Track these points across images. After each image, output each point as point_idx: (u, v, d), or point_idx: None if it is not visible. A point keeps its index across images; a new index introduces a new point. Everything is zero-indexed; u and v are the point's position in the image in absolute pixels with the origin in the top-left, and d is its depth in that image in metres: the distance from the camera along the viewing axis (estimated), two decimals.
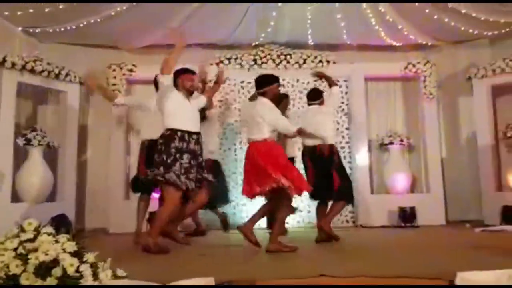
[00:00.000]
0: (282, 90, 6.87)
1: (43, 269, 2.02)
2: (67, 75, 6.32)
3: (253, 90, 6.82)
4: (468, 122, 7.07)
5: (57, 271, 2.02)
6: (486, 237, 4.99)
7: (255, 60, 6.87)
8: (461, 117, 7.20)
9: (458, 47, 7.25)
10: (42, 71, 6.00)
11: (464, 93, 7.07)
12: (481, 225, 6.00)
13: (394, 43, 6.94)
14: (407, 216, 6.34)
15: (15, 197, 5.81)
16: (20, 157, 6.02)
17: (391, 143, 6.86)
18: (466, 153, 7.09)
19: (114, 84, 6.69)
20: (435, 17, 6.07)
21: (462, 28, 6.43)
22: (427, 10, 5.93)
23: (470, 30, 6.53)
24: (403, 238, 4.63)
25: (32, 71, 5.90)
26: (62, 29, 6.26)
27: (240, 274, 2.57)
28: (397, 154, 6.96)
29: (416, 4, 5.79)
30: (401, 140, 6.89)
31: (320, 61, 6.92)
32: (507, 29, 6.60)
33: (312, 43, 6.98)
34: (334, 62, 6.91)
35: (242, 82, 7.01)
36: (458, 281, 2.49)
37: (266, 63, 6.88)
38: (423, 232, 5.74)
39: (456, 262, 2.94)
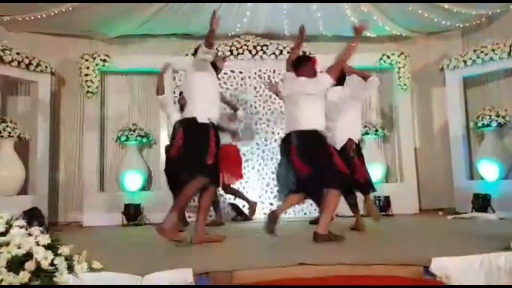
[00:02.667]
0: (258, 81, 6.94)
1: (16, 263, 1.96)
2: (37, 65, 6.15)
3: (229, 81, 6.90)
4: (440, 113, 7.22)
5: (30, 265, 1.97)
6: (458, 224, 5.12)
7: (231, 51, 6.82)
8: (434, 108, 7.35)
9: (431, 39, 7.37)
10: (12, 61, 5.83)
11: (437, 84, 7.20)
12: (453, 213, 6.17)
13: (369, 35, 6.99)
14: (381, 205, 6.44)
15: None
16: None
17: (366, 133, 6.94)
18: (439, 143, 7.25)
19: (87, 75, 6.54)
20: (409, 8, 6.15)
21: (435, 20, 6.53)
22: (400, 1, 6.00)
23: (443, 22, 6.64)
24: (378, 226, 4.70)
25: (1, 60, 5.71)
26: (33, 18, 6.08)
27: (218, 265, 2.56)
28: (372, 144, 7.05)
29: None
30: (376, 131, 6.98)
31: None
32: (478, 22, 6.76)
33: (288, 34, 6.97)
34: (310, 53, 6.91)
35: (241, 72, 6.97)
36: (433, 267, 2.55)
37: (242, 53, 6.84)
38: (398, 221, 5.85)
39: (431, 248, 2.99)
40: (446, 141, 6.95)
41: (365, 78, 4.63)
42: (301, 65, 4.00)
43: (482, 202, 5.99)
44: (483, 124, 6.34)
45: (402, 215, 6.37)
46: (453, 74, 6.79)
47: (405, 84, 7.00)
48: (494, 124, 6.25)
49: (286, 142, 3.87)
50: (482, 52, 6.36)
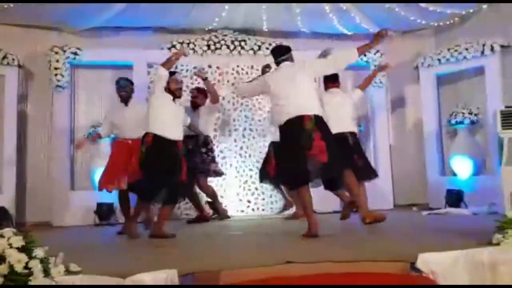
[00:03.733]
0: (236, 76, 6.84)
1: None
2: (4, 57, 5.90)
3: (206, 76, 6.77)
4: (414, 110, 7.33)
5: (3, 269, 1.85)
6: (434, 219, 5.19)
7: (208, 46, 6.71)
8: (408, 105, 7.46)
9: (406, 37, 7.44)
10: None
11: (411, 81, 7.30)
12: (427, 209, 6.26)
13: (346, 32, 7.00)
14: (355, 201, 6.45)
15: None
16: None
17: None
18: (413, 140, 7.36)
19: (56, 68, 6.29)
20: (386, 6, 6.18)
21: (412, 18, 6.59)
22: None
23: (418, 20, 6.71)
24: (357, 222, 4.70)
25: None
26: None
27: (204, 265, 2.47)
28: None
29: None
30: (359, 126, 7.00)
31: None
32: (451, 21, 6.86)
33: (266, 30, 6.91)
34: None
35: (195, 67, 6.80)
36: (419, 262, 2.54)
37: (220, 48, 6.73)
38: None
39: (414, 244, 2.99)
40: (420, 138, 7.06)
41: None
42: None
43: (455, 198, 6.10)
44: (456, 121, 6.45)
45: (377, 210, 6.38)
46: (427, 72, 6.89)
47: (380, 82, 7.05)
48: (467, 121, 6.37)
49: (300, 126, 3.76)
50: (456, 50, 6.48)
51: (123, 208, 4.95)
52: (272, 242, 3.48)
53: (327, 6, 6.16)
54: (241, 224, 5.42)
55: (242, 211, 6.62)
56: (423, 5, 6.17)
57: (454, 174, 6.58)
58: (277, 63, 4.18)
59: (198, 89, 5.92)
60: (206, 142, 5.68)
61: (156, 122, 4.20)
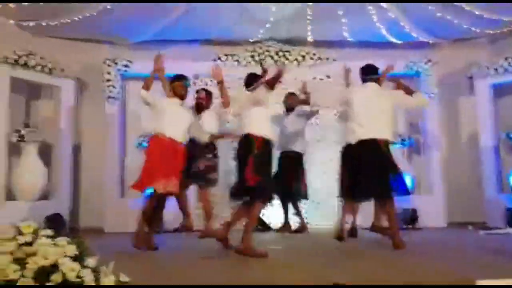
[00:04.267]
0: (279, 87, 6.80)
1: (42, 274, 1.88)
2: (61, 70, 6.16)
3: None
4: (469, 122, 7.00)
5: (57, 276, 1.89)
6: (493, 240, 4.87)
7: (252, 56, 6.75)
8: (462, 117, 7.14)
9: (459, 46, 7.17)
10: (35, 65, 5.86)
11: (465, 92, 7.01)
12: (483, 228, 5.92)
13: (395, 41, 6.84)
14: (408, 217, 6.24)
15: (9, 195, 5.66)
16: (13, 154, 5.86)
17: (392, 143, 6.74)
18: (468, 154, 7.01)
19: (108, 80, 6.53)
20: (438, 14, 5.99)
21: (465, 26, 6.34)
22: (429, 7, 5.84)
23: (472, 28, 6.45)
24: (408, 241, 4.51)
25: (25, 65, 5.75)
26: (57, 23, 6.10)
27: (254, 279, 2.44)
28: (398, 154, 6.84)
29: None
30: (402, 140, 6.79)
31: (319, 58, 6.82)
32: (509, 28, 6.54)
33: (311, 40, 6.87)
34: (334, 60, 6.80)
35: (240, 79, 6.84)
36: None
37: (264, 60, 6.76)
38: (427, 235, 5.63)
39: (472, 267, 2.82)
40: (476, 152, 6.72)
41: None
42: None
43: None
44: None
45: (430, 228, 6.16)
46: (483, 83, 6.59)
47: (432, 92, 6.81)
48: None
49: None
50: None
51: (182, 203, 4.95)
52: (319, 259, 3.38)
53: (374, 16, 6.04)
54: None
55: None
56: (477, 12, 5.92)
57: None
58: (364, 81, 4.49)
59: (206, 91, 5.43)
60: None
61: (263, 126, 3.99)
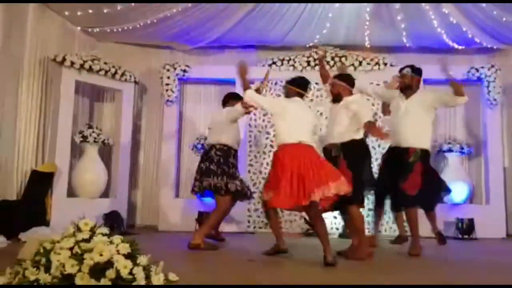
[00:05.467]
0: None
1: (98, 270, 2.00)
2: (122, 74, 6.46)
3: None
4: None
5: (110, 273, 2.00)
6: None
7: (308, 62, 6.73)
8: None
9: None
10: (99, 70, 6.16)
11: None
12: None
13: (457, 46, 6.59)
14: (465, 227, 6.02)
15: (71, 192, 6.00)
16: (77, 153, 6.22)
17: (450, 150, 6.53)
18: None
19: (167, 84, 6.77)
20: (503, 19, 5.70)
21: None
22: (494, 12, 5.58)
23: None
24: (464, 252, 4.35)
25: (90, 70, 6.07)
26: (120, 29, 6.40)
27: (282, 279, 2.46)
28: (456, 162, 6.61)
29: (484, 5, 5.45)
30: (461, 148, 6.54)
31: (377, 63, 6.70)
32: None
33: (369, 45, 6.75)
34: (391, 65, 6.65)
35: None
36: None
37: (319, 65, 6.70)
38: (485, 246, 5.39)
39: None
40: None
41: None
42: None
43: None
44: None
45: (488, 239, 5.90)
46: None
47: (494, 99, 6.50)
48: None
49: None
50: None
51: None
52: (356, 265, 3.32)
53: (435, 21, 5.85)
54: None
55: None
56: None
57: None
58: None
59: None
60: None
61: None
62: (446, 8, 5.63)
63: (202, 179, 4.52)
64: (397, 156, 4.30)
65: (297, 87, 4.01)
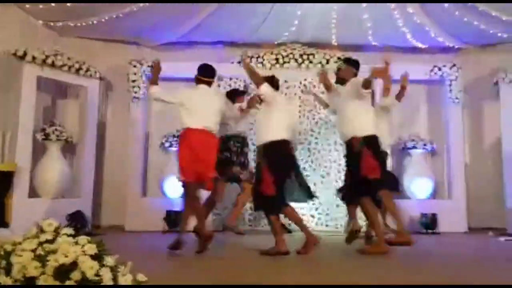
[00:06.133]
0: (303, 90, 6.82)
1: (62, 272, 1.94)
2: (87, 70, 6.30)
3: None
4: (493, 128, 6.85)
5: (76, 274, 1.95)
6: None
7: (277, 59, 6.75)
8: (486, 123, 7.01)
9: (485, 51, 7.04)
10: (63, 65, 5.99)
11: (490, 98, 6.88)
12: (504, 234, 5.86)
13: (420, 45, 6.76)
14: (428, 222, 6.19)
15: (32, 193, 5.81)
16: (38, 152, 6.01)
17: (414, 147, 6.70)
18: (490, 159, 6.90)
19: (134, 81, 6.64)
20: (465, 19, 5.90)
21: (491, 31, 6.23)
22: (456, 13, 5.76)
23: (499, 34, 6.33)
24: (428, 246, 4.49)
25: (52, 65, 5.88)
26: (84, 24, 6.24)
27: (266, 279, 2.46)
28: (420, 158, 6.79)
29: (446, 5, 5.62)
30: (424, 145, 6.72)
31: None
32: None
33: (336, 43, 6.84)
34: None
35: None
36: None
37: (288, 62, 6.76)
38: (447, 240, 5.57)
39: (486, 275, 2.79)
40: (498, 158, 6.60)
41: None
42: None
43: None
44: None
45: (450, 233, 6.11)
46: (509, 88, 6.46)
47: (456, 98, 6.71)
48: None
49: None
50: None
51: None
52: (333, 261, 3.38)
53: (400, 20, 5.99)
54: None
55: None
56: (505, 18, 5.80)
57: None
58: (355, 75, 4.46)
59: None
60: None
61: None
62: (411, 8, 5.76)
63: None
64: (348, 150, 4.40)
65: (203, 75, 4.34)
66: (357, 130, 4.23)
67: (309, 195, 4.19)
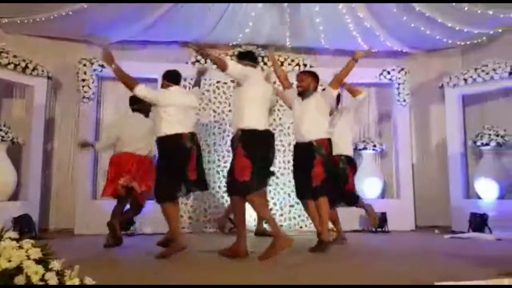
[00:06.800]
0: None
1: (5, 277, 1.88)
2: (34, 69, 6.07)
3: (228, 91, 6.81)
4: (438, 130, 7.20)
5: (20, 279, 1.89)
6: (455, 244, 5.05)
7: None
8: (432, 125, 7.34)
9: (431, 56, 7.37)
10: (8, 63, 5.76)
11: (436, 101, 7.20)
12: (449, 232, 6.14)
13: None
14: (378, 221, 6.37)
15: None
16: None
17: (364, 148, 6.90)
18: (436, 160, 7.22)
19: (84, 80, 6.46)
20: (412, 25, 6.15)
21: (437, 37, 6.53)
22: (404, 18, 6.00)
23: (444, 39, 6.64)
24: (376, 243, 4.65)
25: None
26: (32, 21, 6.01)
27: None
28: (370, 159, 7.02)
29: (394, 10, 5.84)
30: (374, 146, 6.94)
31: (297, 64, 6.91)
32: (479, 40, 6.76)
33: (290, 46, 6.94)
34: (311, 66, 6.89)
35: (218, 82, 6.89)
36: None
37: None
38: (395, 238, 5.78)
39: (431, 271, 2.93)
40: (444, 158, 6.93)
41: (354, 94, 4.89)
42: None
43: (479, 222, 5.94)
44: (482, 143, 6.31)
45: (398, 231, 6.33)
46: (453, 92, 6.79)
47: (404, 100, 6.98)
48: (493, 143, 6.22)
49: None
50: (483, 71, 6.37)
51: None
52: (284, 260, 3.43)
53: (351, 24, 6.16)
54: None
55: (281, 226, 6.60)
56: (449, 24, 6.10)
57: (479, 197, 6.42)
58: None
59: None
60: None
61: None
62: (361, 13, 5.94)
63: None
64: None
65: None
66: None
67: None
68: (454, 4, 5.65)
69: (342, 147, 4.74)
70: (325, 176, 4.11)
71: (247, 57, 4.06)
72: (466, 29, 6.27)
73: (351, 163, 4.88)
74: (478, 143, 6.36)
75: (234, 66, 3.81)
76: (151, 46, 7.05)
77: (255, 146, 3.68)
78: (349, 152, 4.91)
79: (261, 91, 3.87)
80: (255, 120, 3.74)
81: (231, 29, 6.45)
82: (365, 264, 3.46)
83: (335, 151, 4.45)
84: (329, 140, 4.27)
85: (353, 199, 4.93)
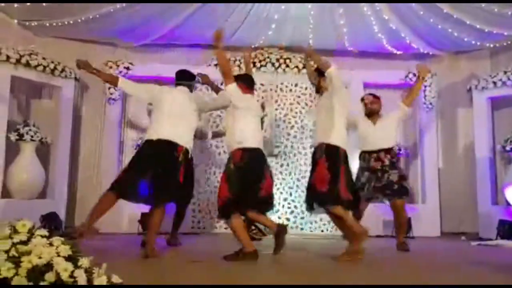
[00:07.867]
0: (279, 94, 6.89)
1: (36, 273, 1.91)
2: (62, 70, 6.19)
3: None
4: (466, 134, 7.03)
5: (50, 276, 1.92)
6: (483, 252, 4.91)
7: (254, 63, 6.77)
8: (459, 128, 7.17)
9: (459, 58, 7.22)
10: (37, 65, 5.88)
11: (463, 104, 7.05)
12: (476, 238, 5.98)
13: (395, 51, 6.89)
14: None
15: (5, 193, 5.68)
16: (12, 152, 5.87)
17: None
18: (463, 165, 7.05)
19: None
20: (439, 27, 6.04)
21: (465, 39, 6.40)
22: (431, 20, 5.90)
23: (473, 41, 6.50)
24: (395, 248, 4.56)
25: (27, 65, 5.77)
26: (60, 24, 6.14)
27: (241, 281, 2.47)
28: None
29: (421, 12, 5.75)
30: (399, 150, 6.83)
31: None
32: (509, 42, 6.59)
33: (313, 48, 6.89)
34: None
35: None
36: None
37: (265, 66, 6.80)
38: (421, 244, 5.66)
39: (456, 278, 2.86)
40: (471, 163, 6.75)
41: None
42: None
43: (507, 229, 5.77)
44: (511, 148, 6.14)
45: (424, 237, 6.20)
46: (481, 95, 6.63)
47: (430, 103, 6.86)
48: None
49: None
50: None
51: None
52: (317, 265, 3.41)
53: (375, 26, 6.10)
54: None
55: (301, 229, 6.62)
56: (478, 26, 5.98)
57: (508, 204, 6.23)
58: None
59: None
60: None
61: None
62: (386, 14, 5.87)
63: None
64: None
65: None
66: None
67: None
68: (483, 5, 5.52)
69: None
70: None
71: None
72: (496, 31, 6.12)
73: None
74: (507, 148, 6.19)
75: (337, 70, 4.03)
76: (175, 49, 7.12)
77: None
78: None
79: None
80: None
81: (254, 32, 6.45)
82: (384, 270, 3.41)
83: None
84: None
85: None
